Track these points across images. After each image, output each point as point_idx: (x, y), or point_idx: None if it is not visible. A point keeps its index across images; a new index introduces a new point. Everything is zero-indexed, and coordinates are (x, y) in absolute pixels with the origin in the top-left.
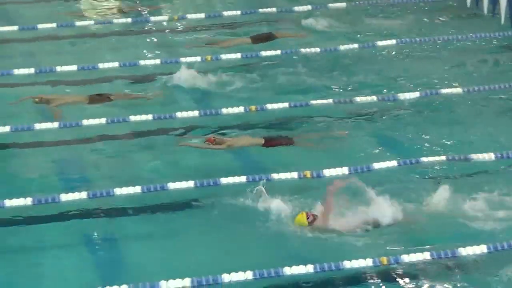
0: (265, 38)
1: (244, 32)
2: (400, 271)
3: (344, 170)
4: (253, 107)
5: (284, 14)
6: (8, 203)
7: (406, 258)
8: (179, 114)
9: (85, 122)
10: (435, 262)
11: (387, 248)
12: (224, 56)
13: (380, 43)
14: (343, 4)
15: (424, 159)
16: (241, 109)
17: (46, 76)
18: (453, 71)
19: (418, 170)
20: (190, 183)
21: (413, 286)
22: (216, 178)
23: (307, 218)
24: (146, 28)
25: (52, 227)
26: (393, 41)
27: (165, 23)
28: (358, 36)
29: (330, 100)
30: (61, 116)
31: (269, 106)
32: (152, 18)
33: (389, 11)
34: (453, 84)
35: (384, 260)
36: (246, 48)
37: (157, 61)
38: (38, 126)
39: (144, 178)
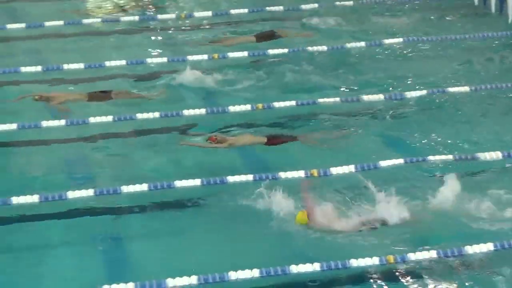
0: (269, 37)
1: (250, 30)
2: (407, 270)
3: (351, 168)
4: (260, 105)
5: (291, 13)
6: (15, 200)
7: (412, 256)
8: (186, 112)
9: (92, 120)
10: (441, 260)
11: (394, 246)
12: (231, 54)
13: (387, 41)
14: (350, 2)
15: (431, 157)
16: (248, 107)
17: (53, 74)
18: (460, 70)
19: (424, 169)
20: (197, 181)
21: (420, 284)
22: (223, 177)
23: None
24: (153, 26)
25: (59, 225)
26: (400, 40)
27: (172, 21)
28: (365, 34)
29: (337, 99)
30: (68, 110)
31: (276, 104)
32: (159, 16)
33: (396, 9)
34: (460, 82)
35: (391, 258)
36: (253, 46)
37: (164, 59)
38: (45, 123)
39: (150, 176)
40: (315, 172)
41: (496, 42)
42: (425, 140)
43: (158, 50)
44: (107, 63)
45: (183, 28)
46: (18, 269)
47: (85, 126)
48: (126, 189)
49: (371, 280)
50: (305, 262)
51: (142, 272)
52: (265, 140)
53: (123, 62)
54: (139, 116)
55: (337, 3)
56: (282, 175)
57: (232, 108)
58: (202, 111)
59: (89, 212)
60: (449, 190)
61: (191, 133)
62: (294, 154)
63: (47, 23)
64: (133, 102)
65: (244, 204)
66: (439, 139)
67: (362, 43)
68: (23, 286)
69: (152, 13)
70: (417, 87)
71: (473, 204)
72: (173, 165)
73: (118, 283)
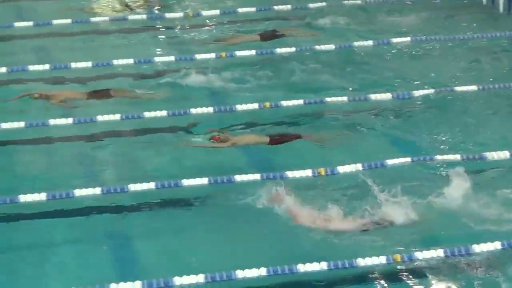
0: (273, 36)
1: (257, 29)
2: (414, 269)
3: (358, 167)
4: (267, 104)
5: (299, 11)
6: (23, 198)
7: (420, 255)
8: (193, 111)
9: (100, 118)
10: (449, 259)
11: (401, 246)
12: (238, 53)
13: (395, 40)
14: (358, 1)
15: (438, 156)
16: (255, 105)
17: (61, 72)
18: (468, 69)
19: (432, 168)
20: (204, 180)
21: (427, 283)
22: (230, 176)
23: None
24: (160, 25)
25: (66, 223)
26: (408, 39)
27: (180, 20)
28: (373, 33)
29: (345, 98)
30: (72, 107)
31: (284, 103)
32: (167, 15)
33: (403, 8)
34: (468, 82)
35: (398, 257)
36: (260, 45)
37: (172, 58)
38: (52, 122)
39: (158, 175)
40: (322, 171)
41: (505, 41)
42: (433, 139)
43: (166, 49)
44: (115, 62)
45: (191, 26)
46: (25, 267)
47: (93, 124)
48: (133, 187)
49: (378, 279)
50: (312, 261)
51: (149, 271)
52: (268, 139)
53: (131, 60)
54: (147, 114)
55: (345, 1)
56: (290, 174)
57: (239, 107)
58: (210, 109)
59: (96, 210)
60: (457, 189)
61: (193, 134)
62: (300, 153)
63: (55, 21)
64: (140, 101)
65: (251, 203)
66: (446, 138)
67: (370, 42)
68: (31, 284)
69: (159, 12)
70: (425, 86)
71: (480, 203)
72: (180, 163)
73: (126, 282)
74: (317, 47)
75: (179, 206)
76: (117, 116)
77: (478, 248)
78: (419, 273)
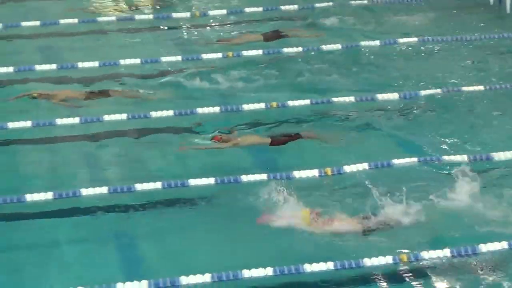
0: (277, 36)
1: (263, 29)
2: (420, 268)
3: (365, 166)
4: (274, 104)
5: (305, 11)
6: (29, 197)
7: (426, 255)
8: (199, 110)
9: (106, 117)
10: (455, 259)
11: (407, 246)
12: (245, 53)
13: (401, 40)
14: (365, 1)
15: (445, 157)
16: (262, 105)
17: (67, 72)
18: (474, 69)
19: (438, 168)
20: (211, 180)
21: (434, 282)
22: (237, 176)
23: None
24: (167, 24)
25: (72, 222)
26: (415, 39)
27: (187, 20)
28: (380, 33)
29: (352, 98)
30: (76, 106)
31: (290, 103)
32: (174, 15)
33: (410, 8)
34: (475, 82)
35: (404, 257)
36: (267, 45)
37: (178, 58)
38: (59, 121)
39: (164, 175)
40: (328, 170)
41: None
42: (439, 139)
43: (172, 49)
44: (122, 62)
45: (197, 26)
46: (31, 266)
47: (100, 124)
48: (140, 187)
49: (385, 279)
50: (318, 262)
51: (155, 270)
52: (269, 140)
53: (137, 60)
54: (153, 114)
55: (352, 1)
56: (296, 174)
57: (246, 107)
58: (216, 109)
59: (102, 209)
60: (463, 189)
61: (194, 135)
62: (305, 153)
63: (62, 21)
64: (143, 100)
65: (257, 203)
66: (453, 138)
67: (377, 42)
68: (36, 283)
69: (165, 11)
70: (431, 87)
71: (487, 203)
72: (185, 163)
73: (132, 281)
74: (324, 47)
75: (185, 206)
76: (123, 116)
77: (484, 248)
78: (425, 273)
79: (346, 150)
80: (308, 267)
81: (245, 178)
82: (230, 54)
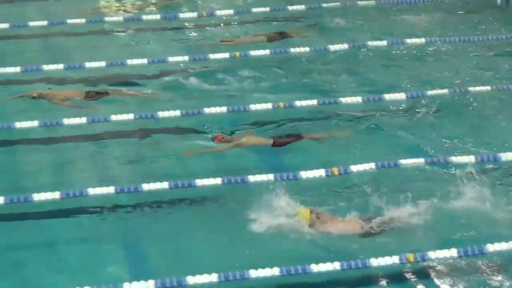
0: (281, 37)
1: (269, 29)
2: (427, 268)
3: (371, 166)
4: (281, 104)
5: (313, 11)
6: (36, 197)
7: (433, 255)
8: (206, 110)
9: (113, 117)
10: (462, 259)
11: (413, 246)
12: (252, 53)
13: (408, 41)
14: (373, 2)
15: (452, 157)
16: (269, 105)
17: (75, 72)
18: (482, 70)
19: (445, 168)
20: (218, 180)
21: (441, 283)
22: (243, 176)
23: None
24: (174, 24)
25: (79, 221)
26: (422, 40)
27: (194, 20)
28: (387, 33)
29: (359, 98)
30: (78, 106)
31: (298, 103)
32: (181, 15)
33: (417, 9)
34: (482, 82)
35: (411, 257)
36: (274, 45)
37: (185, 58)
38: (66, 121)
39: (174, 174)
40: (335, 170)
41: None
42: (446, 140)
43: (179, 49)
44: (129, 62)
45: (204, 26)
46: (37, 266)
47: (107, 123)
48: (147, 187)
49: (392, 279)
50: (325, 262)
51: (161, 270)
52: (271, 142)
53: (144, 60)
54: (160, 114)
55: (359, 2)
56: (303, 174)
57: (253, 107)
58: (223, 109)
59: (109, 209)
60: (470, 190)
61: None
62: (311, 153)
63: (69, 21)
64: (153, 100)
65: (263, 204)
66: (460, 139)
67: (384, 42)
68: (43, 282)
69: (172, 11)
70: (438, 87)
71: (494, 204)
72: (191, 163)
73: (139, 281)
74: (331, 47)
75: (191, 206)
76: (130, 116)
77: (492, 248)
78: (432, 273)
79: (353, 150)
80: (315, 267)
81: (252, 178)
82: (238, 54)
